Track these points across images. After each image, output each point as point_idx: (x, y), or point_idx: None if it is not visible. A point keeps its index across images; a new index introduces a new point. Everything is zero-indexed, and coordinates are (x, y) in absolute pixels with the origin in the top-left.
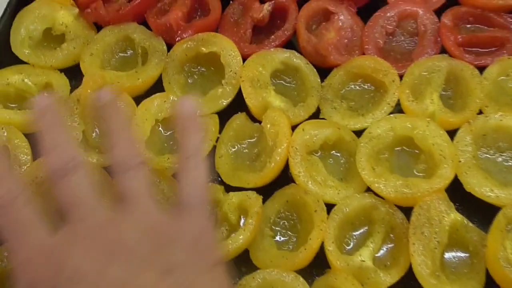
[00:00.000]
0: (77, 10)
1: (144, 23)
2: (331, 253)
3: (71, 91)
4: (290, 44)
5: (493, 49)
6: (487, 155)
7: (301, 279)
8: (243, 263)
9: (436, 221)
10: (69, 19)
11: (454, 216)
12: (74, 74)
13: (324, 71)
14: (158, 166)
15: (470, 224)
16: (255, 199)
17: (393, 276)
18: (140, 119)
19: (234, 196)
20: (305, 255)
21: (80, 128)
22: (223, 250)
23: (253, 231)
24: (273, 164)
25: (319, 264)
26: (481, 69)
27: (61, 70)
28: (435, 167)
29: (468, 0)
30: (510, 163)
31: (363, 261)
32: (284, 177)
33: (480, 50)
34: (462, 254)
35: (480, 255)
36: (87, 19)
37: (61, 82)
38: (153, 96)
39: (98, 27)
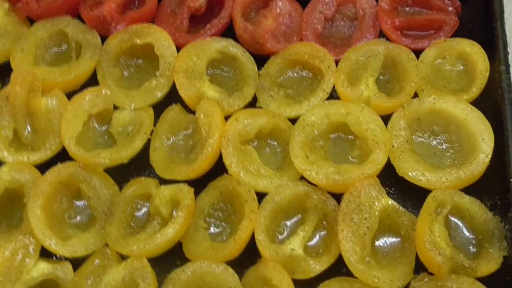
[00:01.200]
0: (7, 5)
1: (79, 16)
2: (261, 243)
3: (3, 88)
4: (229, 32)
5: (431, 32)
6: (422, 139)
7: (231, 270)
8: (177, 256)
9: (366, 207)
10: None
11: (385, 201)
12: (6, 71)
13: (261, 59)
14: (88, 162)
15: (402, 208)
16: (186, 191)
17: (323, 264)
18: (70, 115)
19: (165, 190)
20: (235, 246)
21: (10, 126)
22: (152, 244)
23: (184, 224)
24: (204, 155)
25: (252, 254)
26: (420, 52)
27: None
28: (369, 152)
29: None
30: (444, 146)
31: (293, 249)
32: (220, 169)
33: (419, 33)
34: (394, 239)
35: (411, 239)
36: (18, 13)
37: None
38: (84, 90)
39: (32, 21)
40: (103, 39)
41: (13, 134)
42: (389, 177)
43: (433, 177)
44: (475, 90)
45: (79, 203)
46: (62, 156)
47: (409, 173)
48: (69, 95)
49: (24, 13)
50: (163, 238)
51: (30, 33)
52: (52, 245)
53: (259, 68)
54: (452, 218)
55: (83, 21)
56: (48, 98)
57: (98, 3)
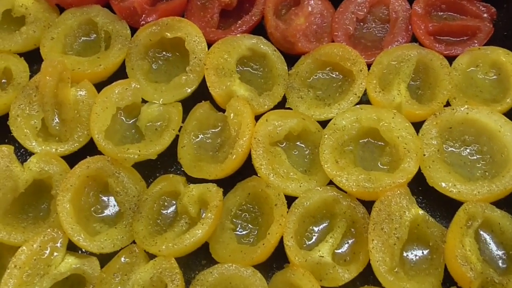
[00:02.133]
0: None
1: (108, 5)
2: (290, 248)
3: (32, 76)
4: (260, 29)
5: (464, 38)
6: (453, 149)
7: (259, 274)
8: (203, 256)
9: (397, 216)
10: (30, 1)
11: (415, 211)
12: (35, 58)
13: (292, 58)
14: (117, 157)
15: (431, 219)
16: (215, 192)
17: (352, 272)
18: (100, 108)
19: (194, 189)
20: (264, 250)
21: (39, 116)
22: (181, 244)
23: (212, 225)
24: (234, 156)
25: (280, 258)
26: (452, 58)
27: (21, 55)
28: (399, 160)
29: None
30: (475, 157)
31: (322, 256)
32: (248, 168)
33: (452, 39)
34: (423, 250)
35: (440, 251)
36: (49, 0)
37: (20, 67)
38: (114, 83)
39: (61, 9)
40: (133, 30)
41: (41, 124)
42: (417, 186)
43: (465, 189)
44: (509, 101)
45: (106, 197)
46: (89, 148)
47: (441, 184)
48: (97, 86)
49: (54, 1)
50: (192, 238)
51: (60, 21)
52: (81, 240)
53: (289, 68)
54: (481, 232)
55: (113, 11)
56: (77, 89)
57: None
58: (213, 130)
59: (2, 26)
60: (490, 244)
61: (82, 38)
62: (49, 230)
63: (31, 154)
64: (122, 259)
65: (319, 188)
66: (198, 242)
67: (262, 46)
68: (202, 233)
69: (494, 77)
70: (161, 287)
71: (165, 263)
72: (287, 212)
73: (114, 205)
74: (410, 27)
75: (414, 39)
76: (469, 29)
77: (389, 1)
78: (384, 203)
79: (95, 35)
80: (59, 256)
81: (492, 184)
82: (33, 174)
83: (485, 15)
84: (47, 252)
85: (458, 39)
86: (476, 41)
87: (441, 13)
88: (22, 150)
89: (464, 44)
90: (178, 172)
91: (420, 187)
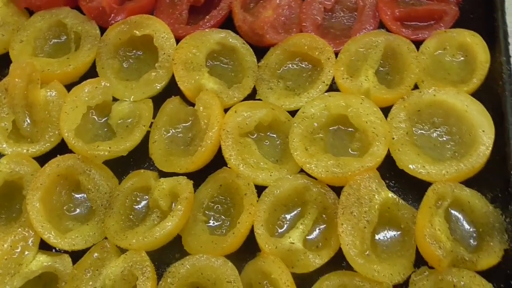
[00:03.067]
0: None
1: (77, 7)
2: (260, 236)
3: (2, 79)
4: (229, 23)
5: (431, 22)
6: (422, 131)
7: (230, 263)
8: (177, 250)
9: (366, 200)
10: None
11: (385, 195)
12: (5, 62)
13: (261, 51)
14: (87, 155)
15: (402, 202)
16: (185, 184)
17: (323, 257)
18: (69, 107)
19: (164, 182)
20: (234, 239)
21: (9, 118)
22: (151, 237)
23: (183, 217)
24: (204, 148)
25: (252, 248)
26: (420, 43)
27: None
28: (369, 145)
29: None
30: (444, 138)
31: (292, 243)
32: (220, 161)
33: (419, 24)
34: (394, 232)
35: (411, 233)
36: (18, 4)
37: None
38: (83, 82)
39: (30, 13)
40: (102, 30)
41: (12, 126)
42: (389, 170)
43: (434, 170)
44: (476, 81)
45: (78, 195)
46: (61, 148)
47: (409, 166)
48: (68, 87)
49: (23, 4)
50: (162, 231)
51: (29, 24)
52: (51, 238)
53: (258, 60)
54: (452, 211)
55: (82, 12)
56: (47, 90)
57: None
58: (184, 125)
59: None
60: (461, 222)
61: (53, 40)
62: (20, 229)
63: (2, 155)
64: (94, 255)
65: (289, 176)
66: (169, 234)
67: (231, 40)
68: (172, 225)
69: (462, 58)
70: (133, 281)
71: (135, 257)
72: (258, 201)
73: (86, 203)
74: (377, 14)
75: (382, 26)
76: (436, 13)
77: None
78: (353, 187)
79: (65, 37)
80: (30, 255)
81: (460, 163)
82: (4, 176)
83: None
84: (18, 251)
85: (425, 23)
86: (442, 25)
87: None
88: None
89: (431, 28)
90: (151, 167)
91: (391, 171)
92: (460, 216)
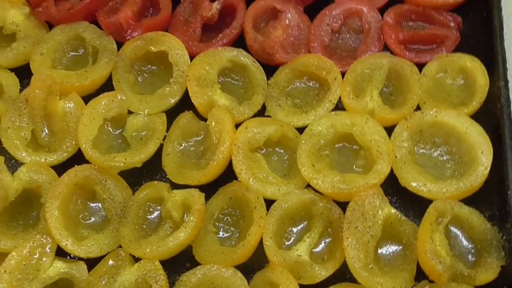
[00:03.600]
0: (28, 9)
1: (95, 22)
2: (269, 248)
3: (22, 90)
4: (240, 41)
5: (433, 46)
6: (424, 150)
7: (239, 274)
8: (188, 259)
9: (370, 215)
10: (20, 18)
11: (388, 210)
12: (25, 73)
13: (271, 69)
14: (104, 165)
15: (404, 217)
16: (197, 196)
17: (328, 269)
18: (87, 119)
19: (177, 194)
20: (244, 250)
21: (28, 127)
22: (164, 247)
23: (195, 228)
24: (215, 162)
25: (261, 259)
26: (422, 65)
27: (12, 69)
28: (373, 162)
29: None
30: (444, 158)
31: (300, 255)
32: (230, 174)
33: (422, 47)
34: (396, 247)
35: (412, 248)
36: (38, 18)
37: (11, 81)
38: (100, 95)
39: (51, 26)
40: (119, 45)
41: (31, 135)
42: (392, 187)
43: (434, 188)
44: (475, 104)
45: (94, 204)
46: (78, 158)
47: (411, 183)
48: (85, 98)
49: (43, 18)
50: (175, 241)
51: (49, 37)
52: (68, 245)
53: (268, 78)
54: (452, 228)
55: (100, 27)
56: (65, 101)
57: (115, 10)
58: (196, 139)
59: None
60: (460, 239)
61: (71, 53)
62: (38, 236)
63: (21, 164)
64: (109, 262)
65: (296, 190)
66: (181, 244)
67: (242, 58)
68: (185, 235)
69: (462, 82)
70: None
71: (149, 265)
72: (266, 214)
73: (101, 212)
74: (382, 36)
75: (386, 48)
76: (437, 37)
77: (362, 12)
78: (358, 203)
79: (83, 50)
80: (47, 261)
81: (460, 182)
82: (23, 183)
83: (452, 24)
84: (36, 257)
85: (427, 47)
86: (444, 49)
87: (411, 23)
88: (13, 161)
89: (433, 52)
90: (163, 179)
91: (394, 188)
92: (459, 232)
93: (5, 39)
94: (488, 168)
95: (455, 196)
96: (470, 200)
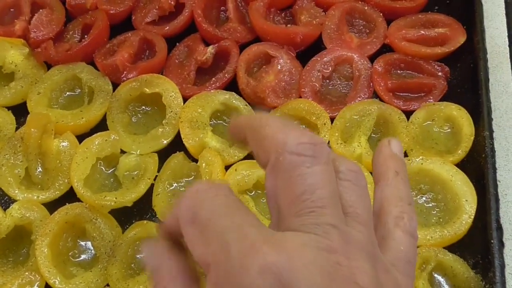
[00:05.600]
0: (27, 49)
1: (93, 62)
2: None
3: (18, 128)
4: (233, 85)
5: (421, 94)
6: None
7: None
8: None
9: None
10: (19, 58)
11: None
12: (21, 111)
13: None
14: (95, 204)
15: None
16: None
17: None
18: (80, 158)
19: None
20: None
21: (23, 165)
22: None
23: None
24: None
25: None
26: (410, 113)
27: (9, 108)
28: None
29: (400, 47)
30: (430, 205)
31: None
32: None
33: (410, 95)
34: None
35: None
36: (37, 58)
37: (8, 119)
38: (94, 135)
39: (49, 66)
40: (114, 85)
41: (24, 173)
42: None
43: (419, 235)
44: (461, 152)
45: (84, 242)
46: (70, 195)
47: None
48: (79, 137)
49: (42, 58)
50: None
51: (47, 77)
52: (57, 283)
53: None
54: (435, 275)
55: (96, 68)
56: (60, 140)
57: (112, 52)
58: (187, 179)
59: None
60: (444, 286)
61: (67, 92)
62: (27, 273)
63: (14, 201)
64: None
65: None
66: None
67: (234, 101)
68: None
69: (448, 130)
70: None
71: None
72: None
73: (91, 250)
74: (371, 84)
75: (375, 95)
76: (425, 86)
77: (352, 60)
78: None
79: (79, 90)
80: None
81: (444, 229)
82: (15, 220)
83: (439, 73)
84: None
85: (416, 95)
86: (431, 97)
87: (400, 71)
88: (6, 197)
89: (421, 100)
90: (152, 218)
91: None
92: (442, 280)
93: (4, 78)
94: (472, 216)
95: (439, 243)
96: (454, 247)
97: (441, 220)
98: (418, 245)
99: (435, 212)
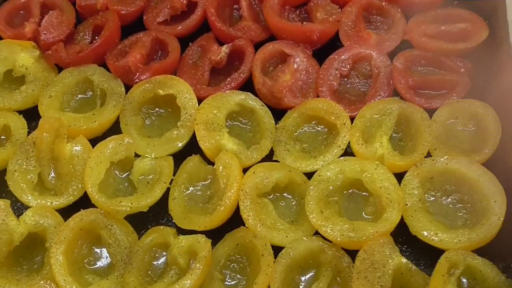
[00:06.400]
0: (38, 52)
1: (105, 64)
2: None
3: (31, 132)
4: (248, 85)
5: (443, 91)
6: (434, 198)
7: None
8: None
9: (380, 265)
10: (30, 61)
11: (398, 260)
12: (33, 115)
13: (279, 113)
14: (110, 210)
15: (415, 267)
16: (204, 243)
17: None
18: (94, 162)
19: (184, 240)
20: None
21: (35, 170)
22: None
23: (201, 276)
24: (222, 208)
25: None
26: (432, 111)
27: (21, 112)
28: (383, 210)
29: (421, 43)
30: (456, 206)
31: None
32: (237, 219)
33: (432, 92)
34: None
35: None
36: (48, 61)
37: (19, 124)
38: (108, 138)
39: (60, 69)
40: (127, 87)
41: (37, 178)
42: (402, 234)
43: (446, 238)
44: (487, 151)
45: (99, 249)
46: (83, 201)
47: (423, 233)
48: (92, 140)
49: (53, 61)
50: None
51: (58, 80)
52: None
53: (276, 122)
54: (464, 280)
55: (108, 70)
56: (73, 144)
57: (124, 53)
58: (203, 183)
59: (3, 85)
60: None
61: (79, 95)
62: (42, 282)
63: (27, 207)
64: None
65: (305, 238)
66: None
67: (250, 102)
68: (191, 283)
69: (473, 128)
70: None
71: None
72: (274, 262)
73: (107, 257)
74: (391, 81)
75: (395, 93)
76: (448, 83)
77: (371, 57)
78: (367, 252)
79: (91, 93)
80: None
81: (473, 232)
82: (28, 227)
83: (462, 69)
84: None
85: (438, 92)
86: (454, 95)
87: (421, 68)
88: (19, 204)
89: (443, 97)
90: (169, 223)
91: (404, 236)
92: (472, 284)
93: (15, 81)
94: (502, 218)
95: (467, 246)
96: (483, 251)
97: (468, 222)
98: (446, 248)
99: (461, 213)
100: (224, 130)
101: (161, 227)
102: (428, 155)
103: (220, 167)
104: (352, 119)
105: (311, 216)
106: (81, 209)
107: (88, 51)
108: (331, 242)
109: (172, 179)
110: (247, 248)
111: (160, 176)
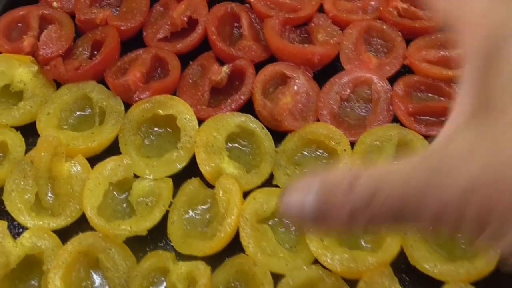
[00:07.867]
0: (36, 67)
1: (103, 81)
2: None
3: (28, 149)
4: (249, 106)
5: (443, 118)
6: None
7: None
8: None
9: None
10: (28, 77)
11: None
12: (30, 132)
13: (279, 135)
14: (109, 233)
15: None
16: (203, 270)
17: None
18: (93, 184)
19: (183, 266)
20: None
21: (33, 190)
22: None
23: None
24: (223, 234)
25: None
26: (433, 138)
27: (18, 128)
28: (382, 239)
29: (421, 69)
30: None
31: None
32: (237, 244)
33: (431, 119)
34: None
35: None
36: (46, 76)
37: (17, 141)
38: (107, 159)
39: (58, 84)
40: (126, 105)
41: (34, 198)
42: (401, 263)
43: (446, 269)
44: None
45: (96, 273)
46: (81, 222)
47: (423, 265)
48: (90, 159)
49: (51, 76)
50: None
51: (56, 97)
52: None
53: (276, 144)
54: None
55: (108, 87)
56: (71, 164)
57: (123, 70)
58: (202, 207)
59: (0, 100)
60: None
61: (77, 112)
62: None
63: (23, 227)
64: None
65: (305, 267)
66: None
67: (250, 124)
68: None
69: None
70: None
71: None
72: None
73: (104, 281)
74: (391, 107)
75: (395, 118)
76: (448, 110)
77: (371, 81)
78: (367, 282)
79: (90, 110)
80: None
81: (472, 265)
82: (26, 250)
83: None
84: None
85: (437, 119)
86: None
87: (420, 93)
88: (15, 223)
89: (443, 124)
90: (167, 246)
91: (403, 265)
92: None
93: (12, 96)
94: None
95: (466, 279)
96: (481, 283)
97: (467, 253)
98: (445, 280)
99: (460, 243)
100: (224, 153)
101: (160, 251)
102: None
103: (221, 192)
104: (351, 143)
105: (311, 244)
106: (79, 231)
107: (87, 68)
108: (330, 271)
109: (171, 202)
110: (246, 275)
111: (159, 198)
